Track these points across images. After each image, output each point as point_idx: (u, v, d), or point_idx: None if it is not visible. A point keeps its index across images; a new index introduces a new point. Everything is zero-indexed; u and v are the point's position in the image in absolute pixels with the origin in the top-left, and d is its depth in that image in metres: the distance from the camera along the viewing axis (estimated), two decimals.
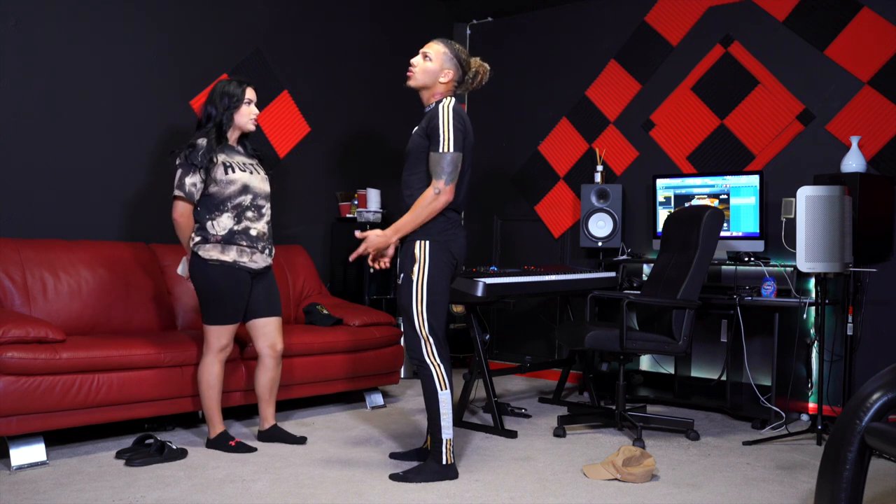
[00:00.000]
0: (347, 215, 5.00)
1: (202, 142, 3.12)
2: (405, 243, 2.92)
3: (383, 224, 4.89)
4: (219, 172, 3.12)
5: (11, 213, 3.58)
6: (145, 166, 4.07)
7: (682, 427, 3.74)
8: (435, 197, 2.81)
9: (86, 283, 3.51)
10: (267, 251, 3.27)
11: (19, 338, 2.87)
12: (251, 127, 3.27)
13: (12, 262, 3.34)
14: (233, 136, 3.25)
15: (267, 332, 3.30)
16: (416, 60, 2.97)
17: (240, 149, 3.29)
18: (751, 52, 4.66)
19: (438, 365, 2.87)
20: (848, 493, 1.91)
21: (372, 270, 2.99)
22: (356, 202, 4.97)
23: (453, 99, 2.91)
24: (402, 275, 2.90)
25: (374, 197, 4.90)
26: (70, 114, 3.78)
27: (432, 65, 2.93)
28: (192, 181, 3.09)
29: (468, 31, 6.02)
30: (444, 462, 2.89)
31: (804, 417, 4.16)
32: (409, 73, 2.97)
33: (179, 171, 3.10)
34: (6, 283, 3.30)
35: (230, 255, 3.13)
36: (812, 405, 4.22)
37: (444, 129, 2.81)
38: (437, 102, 2.91)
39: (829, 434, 2.04)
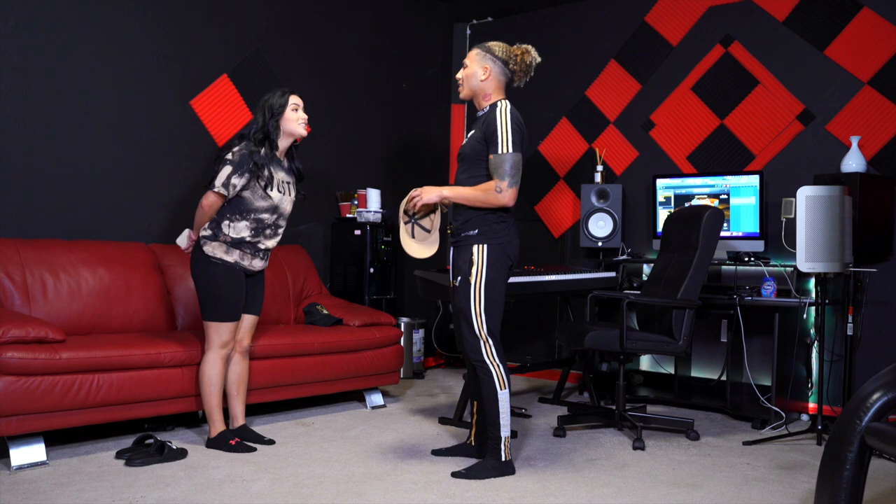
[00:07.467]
0: (347, 215, 4.99)
1: (262, 150, 3.13)
2: (462, 247, 2.98)
3: (383, 224, 4.90)
4: (260, 184, 3.13)
5: (11, 213, 3.58)
6: (145, 166, 4.06)
7: (682, 427, 3.74)
8: (497, 193, 2.90)
9: (86, 283, 3.50)
10: (266, 258, 3.33)
11: (19, 338, 2.86)
12: (302, 131, 3.23)
13: (12, 262, 3.34)
14: (283, 144, 3.23)
15: (241, 327, 3.31)
16: (459, 74, 3.09)
17: (284, 163, 3.27)
18: (751, 52, 4.66)
19: (498, 365, 2.94)
20: (848, 493, 1.91)
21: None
22: (356, 202, 4.96)
23: (507, 102, 2.96)
24: (458, 278, 2.95)
25: (374, 197, 4.90)
26: (70, 114, 3.77)
27: (469, 69, 3.04)
28: (237, 182, 3.08)
29: (468, 31, 6.02)
30: (502, 459, 2.96)
31: (804, 417, 4.16)
32: (459, 89, 3.10)
33: (229, 168, 3.08)
34: (6, 283, 3.29)
35: (233, 257, 3.17)
36: (812, 405, 4.22)
37: (503, 131, 2.88)
38: (492, 105, 2.98)
39: (829, 434, 2.04)
